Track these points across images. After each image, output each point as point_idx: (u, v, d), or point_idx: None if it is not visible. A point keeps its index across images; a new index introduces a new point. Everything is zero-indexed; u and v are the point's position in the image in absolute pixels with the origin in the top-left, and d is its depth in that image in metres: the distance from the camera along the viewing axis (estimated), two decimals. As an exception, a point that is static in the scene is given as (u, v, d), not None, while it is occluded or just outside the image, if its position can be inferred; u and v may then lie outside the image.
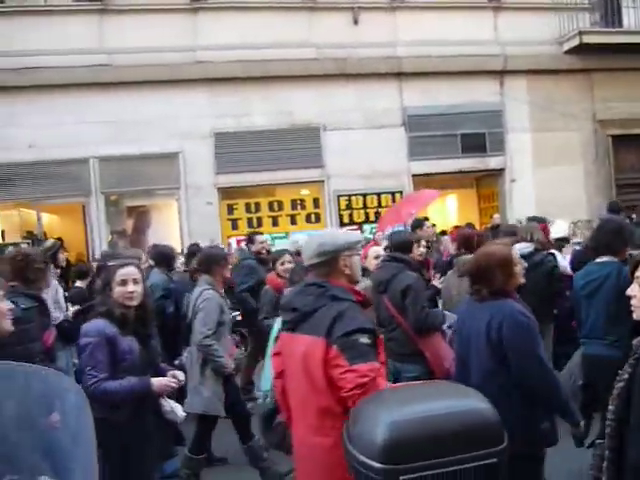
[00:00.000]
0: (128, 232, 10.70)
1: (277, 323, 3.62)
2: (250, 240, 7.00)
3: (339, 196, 11.01)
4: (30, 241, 9.67)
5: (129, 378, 3.03)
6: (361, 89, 10.91)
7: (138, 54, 9.93)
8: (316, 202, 11.11)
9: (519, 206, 11.30)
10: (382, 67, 11.04)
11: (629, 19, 12.09)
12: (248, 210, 10.88)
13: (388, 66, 11.06)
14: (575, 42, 11.53)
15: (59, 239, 8.71)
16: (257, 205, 10.94)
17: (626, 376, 2.08)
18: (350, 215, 11.09)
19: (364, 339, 2.31)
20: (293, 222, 10.99)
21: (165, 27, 10.19)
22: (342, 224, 10.84)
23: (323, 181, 10.95)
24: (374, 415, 2.01)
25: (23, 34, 9.67)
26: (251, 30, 10.29)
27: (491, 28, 11.67)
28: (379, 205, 11.15)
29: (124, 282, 3.11)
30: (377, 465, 1.86)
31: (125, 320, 3.07)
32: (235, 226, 10.74)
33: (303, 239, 4.89)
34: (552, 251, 5.69)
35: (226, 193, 10.74)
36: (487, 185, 12.45)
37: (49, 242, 7.34)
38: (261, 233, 7.60)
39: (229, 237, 10.48)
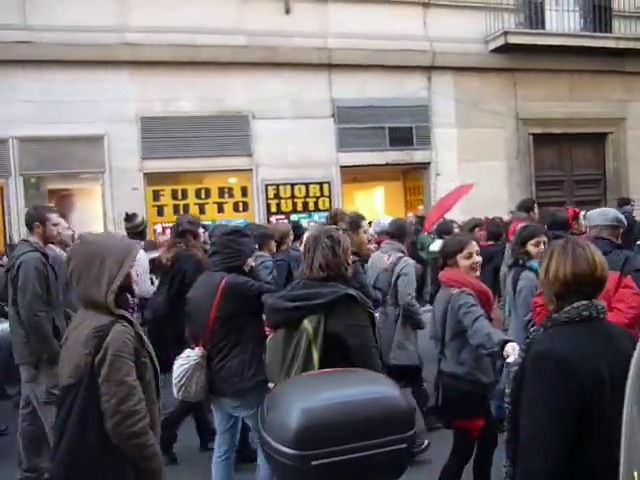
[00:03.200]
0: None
1: None
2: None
3: (267, 185, 11.40)
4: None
5: None
6: (291, 79, 11.30)
7: (64, 32, 9.96)
8: (244, 191, 11.46)
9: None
10: (313, 58, 11.47)
11: (551, 22, 12.99)
12: (175, 197, 11.12)
13: (318, 57, 11.50)
14: (500, 42, 12.32)
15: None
16: (184, 192, 11.19)
17: (520, 360, 2.26)
18: (278, 204, 11.50)
19: None
20: (220, 210, 11.31)
21: (94, 6, 10.24)
22: (270, 213, 11.25)
23: (251, 170, 11.30)
24: (288, 402, 2.10)
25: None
26: (181, 14, 10.50)
27: (420, 24, 12.29)
28: (307, 195, 11.63)
29: None
30: (290, 451, 1.94)
31: None
32: (161, 212, 10.97)
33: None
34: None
35: (152, 179, 10.94)
36: (413, 178, 13.12)
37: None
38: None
39: (155, 224, 10.71)
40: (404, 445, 2.04)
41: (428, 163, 12.40)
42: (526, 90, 12.87)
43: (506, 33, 12.22)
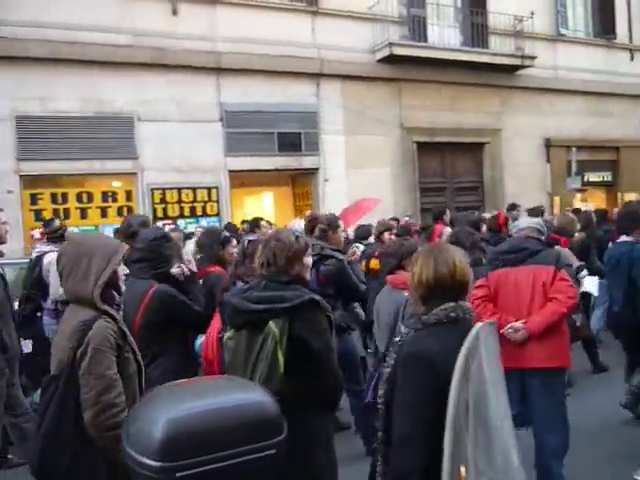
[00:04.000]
0: None
1: None
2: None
3: (153, 189, 11.19)
4: None
5: None
6: (178, 81, 11.17)
7: None
8: (129, 195, 11.20)
9: (332, 205, 12.17)
10: (201, 61, 11.39)
11: (434, 36, 13.64)
12: (54, 201, 10.67)
13: (207, 60, 11.44)
14: (386, 52, 12.79)
15: None
16: (64, 196, 10.76)
17: (392, 361, 2.36)
18: (164, 209, 11.32)
19: None
20: (104, 215, 10.98)
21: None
22: (156, 218, 11.05)
23: (136, 173, 11.05)
24: (151, 413, 2.04)
25: None
26: (61, 9, 10.12)
27: (309, 31, 12.52)
28: (194, 200, 11.53)
29: None
30: (154, 464, 1.89)
31: None
32: (39, 217, 10.49)
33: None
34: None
35: (29, 181, 10.46)
36: (302, 184, 13.33)
37: None
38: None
39: (32, 229, 10.23)
40: (273, 451, 2.03)
41: (316, 169, 12.64)
42: (411, 100, 13.44)
43: (391, 44, 12.70)
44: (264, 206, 14.35)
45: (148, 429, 1.97)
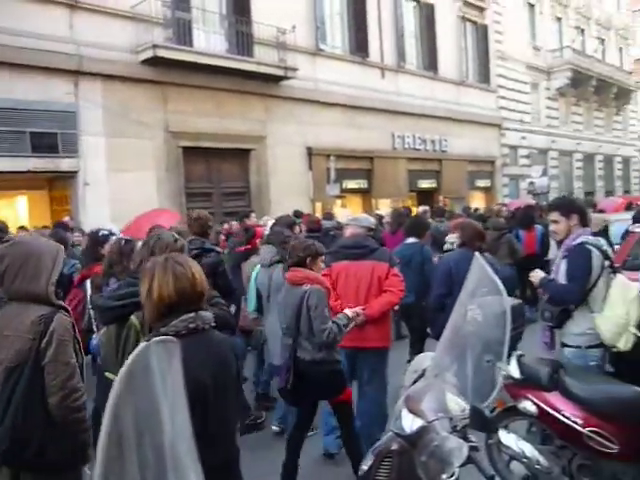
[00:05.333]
0: None
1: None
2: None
3: None
4: None
5: None
6: None
7: None
8: None
9: (93, 210, 11.87)
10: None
11: (199, 40, 13.82)
12: None
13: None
14: (150, 54, 12.65)
15: None
16: None
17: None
18: None
19: None
20: None
21: None
22: None
23: None
24: None
25: None
26: None
27: (66, 26, 11.94)
28: None
29: None
30: None
31: None
32: None
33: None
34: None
35: None
36: (60, 187, 12.68)
37: None
38: None
39: None
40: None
41: (76, 172, 12.08)
42: (176, 104, 13.46)
43: (155, 46, 12.60)
44: (18, 211, 13.36)
45: None
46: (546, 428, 4.07)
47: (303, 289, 4.37)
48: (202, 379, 2.30)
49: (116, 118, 12.47)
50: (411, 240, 7.01)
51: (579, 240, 4.30)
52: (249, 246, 7.17)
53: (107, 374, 3.26)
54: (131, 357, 1.47)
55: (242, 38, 14.44)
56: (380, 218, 10.79)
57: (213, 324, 2.47)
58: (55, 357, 2.70)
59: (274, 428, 5.82)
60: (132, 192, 12.27)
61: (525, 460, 4.02)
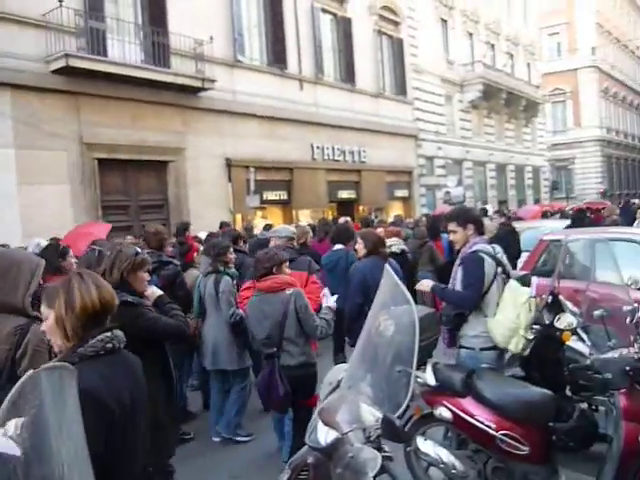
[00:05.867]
0: None
1: None
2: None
3: None
4: None
5: None
6: None
7: None
8: None
9: (3, 226, 11.38)
10: None
11: (114, 50, 13.58)
12: None
13: None
14: (62, 64, 12.32)
15: None
16: None
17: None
18: None
19: None
20: None
21: None
22: None
23: None
24: None
25: None
26: None
27: (-30, 33, 11.50)
28: None
29: None
30: None
31: None
32: None
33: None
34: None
35: None
36: (-33, 202, 12.12)
37: None
38: None
39: None
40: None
41: (-18, 185, 11.61)
42: (91, 115, 13.16)
43: (67, 55, 12.28)
44: None
45: None
46: (461, 433, 4.26)
47: (287, 294, 4.63)
48: (123, 398, 2.30)
49: (27, 129, 12.08)
50: (337, 247, 7.53)
51: (473, 248, 4.58)
52: (186, 260, 7.36)
53: None
54: (16, 386, 1.46)
55: (158, 49, 14.29)
56: (313, 228, 11.02)
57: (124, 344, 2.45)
58: (30, 366, 2.72)
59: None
60: (45, 206, 11.94)
61: (442, 466, 4.16)
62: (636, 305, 4.01)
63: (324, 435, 2.67)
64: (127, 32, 14.12)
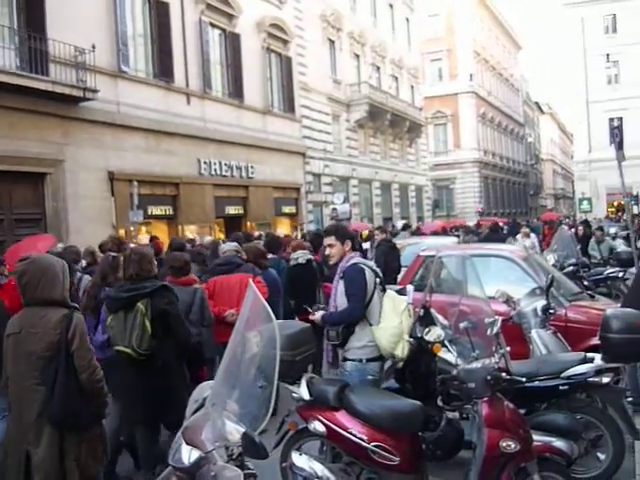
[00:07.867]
0: None
1: None
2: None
3: None
4: None
5: None
6: None
7: None
8: None
9: None
10: None
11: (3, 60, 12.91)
12: None
13: None
14: None
15: None
16: None
17: None
18: None
19: None
20: None
21: None
22: None
23: None
24: None
25: None
26: None
27: None
28: None
29: None
30: None
31: None
32: None
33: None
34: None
35: None
36: None
37: None
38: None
39: None
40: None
41: None
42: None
43: None
44: None
45: None
46: (335, 446, 4.36)
47: (193, 288, 5.86)
48: None
49: None
50: (270, 256, 8.32)
51: (352, 261, 4.83)
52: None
53: (117, 347, 4.60)
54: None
55: (36, 55, 13.66)
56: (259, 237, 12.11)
57: None
58: (80, 345, 3.59)
59: None
60: None
61: (317, 480, 4.25)
62: (497, 317, 4.31)
63: (187, 454, 2.68)
64: (1, 37, 13.44)
